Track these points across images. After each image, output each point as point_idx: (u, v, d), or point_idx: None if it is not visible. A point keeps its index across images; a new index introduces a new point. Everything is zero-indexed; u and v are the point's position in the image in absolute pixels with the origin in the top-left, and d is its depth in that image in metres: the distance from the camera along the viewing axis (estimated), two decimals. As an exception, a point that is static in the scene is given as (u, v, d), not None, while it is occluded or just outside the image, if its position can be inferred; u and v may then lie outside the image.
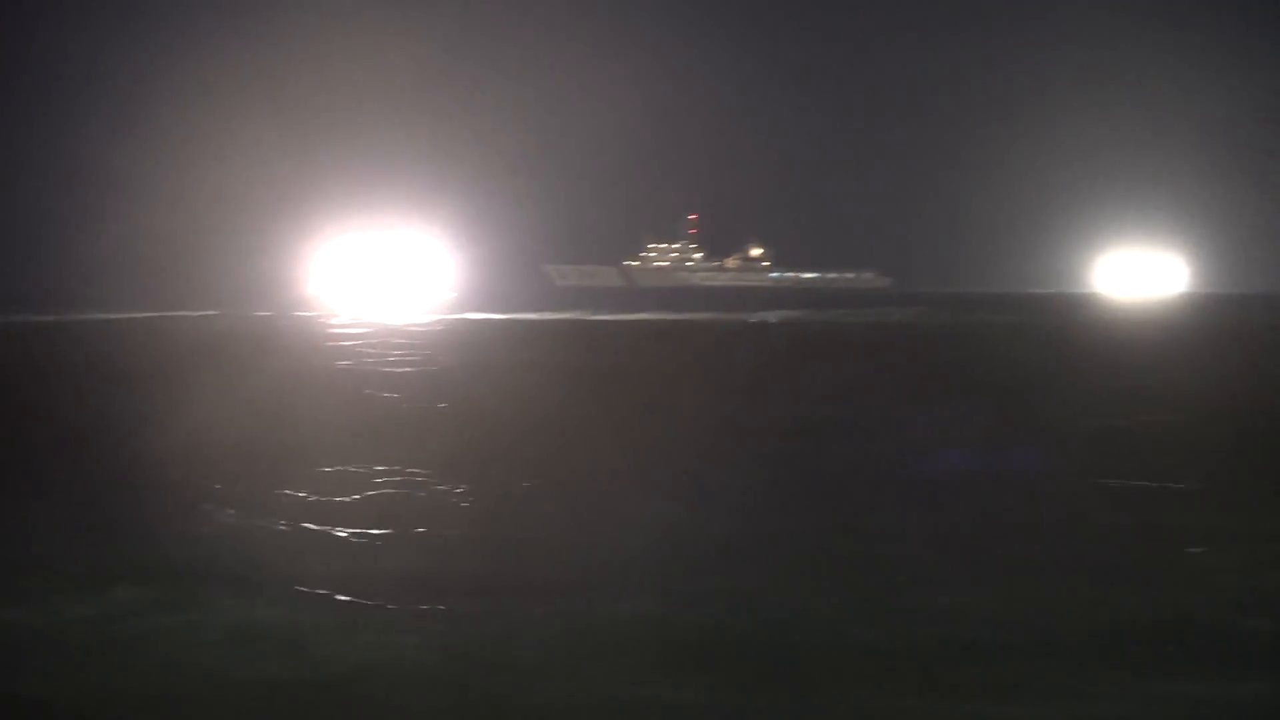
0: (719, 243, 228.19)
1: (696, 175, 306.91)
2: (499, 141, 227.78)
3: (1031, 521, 16.33)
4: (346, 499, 17.86)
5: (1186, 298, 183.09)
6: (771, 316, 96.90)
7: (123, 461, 20.91)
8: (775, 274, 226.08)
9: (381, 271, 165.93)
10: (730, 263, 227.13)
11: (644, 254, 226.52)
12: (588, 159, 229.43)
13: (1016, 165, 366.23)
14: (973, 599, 12.63)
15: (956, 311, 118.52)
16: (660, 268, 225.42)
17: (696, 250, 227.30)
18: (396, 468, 20.35)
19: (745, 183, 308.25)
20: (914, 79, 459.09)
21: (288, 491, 18.28)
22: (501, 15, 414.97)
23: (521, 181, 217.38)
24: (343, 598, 12.82)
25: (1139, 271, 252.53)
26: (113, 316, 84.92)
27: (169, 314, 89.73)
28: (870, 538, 15.32)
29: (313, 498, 17.87)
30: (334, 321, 78.99)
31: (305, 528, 16.02)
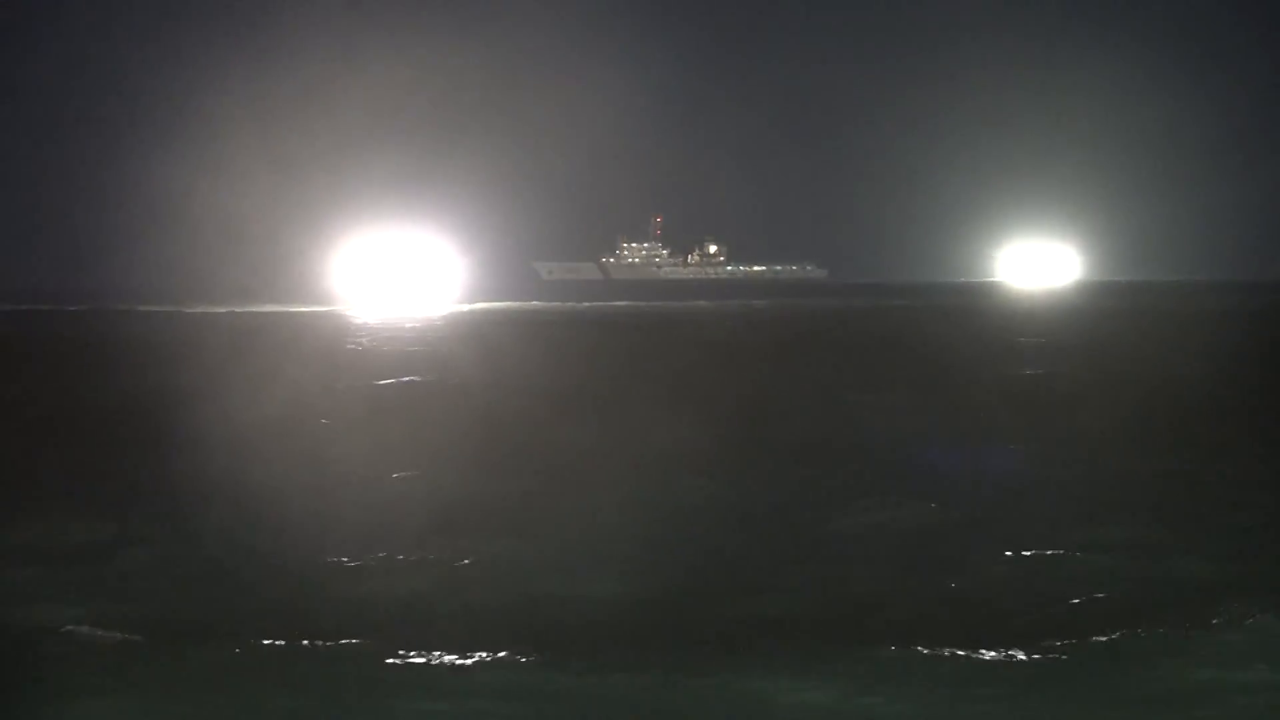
0: (681, 241, 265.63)
1: (660, 180, 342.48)
2: (491, 154, 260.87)
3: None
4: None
5: (1081, 286, 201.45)
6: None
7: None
8: (730, 267, 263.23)
9: (397, 270, 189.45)
10: (692, 258, 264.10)
11: (618, 251, 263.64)
12: (569, 167, 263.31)
13: (929, 167, 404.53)
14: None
15: (877, 297, 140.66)
16: (632, 264, 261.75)
17: (663, 248, 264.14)
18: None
19: (704, 187, 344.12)
20: (845, 92, 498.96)
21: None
22: (489, 27, 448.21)
23: (511, 189, 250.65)
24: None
25: (1037, 260, 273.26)
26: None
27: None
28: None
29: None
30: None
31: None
